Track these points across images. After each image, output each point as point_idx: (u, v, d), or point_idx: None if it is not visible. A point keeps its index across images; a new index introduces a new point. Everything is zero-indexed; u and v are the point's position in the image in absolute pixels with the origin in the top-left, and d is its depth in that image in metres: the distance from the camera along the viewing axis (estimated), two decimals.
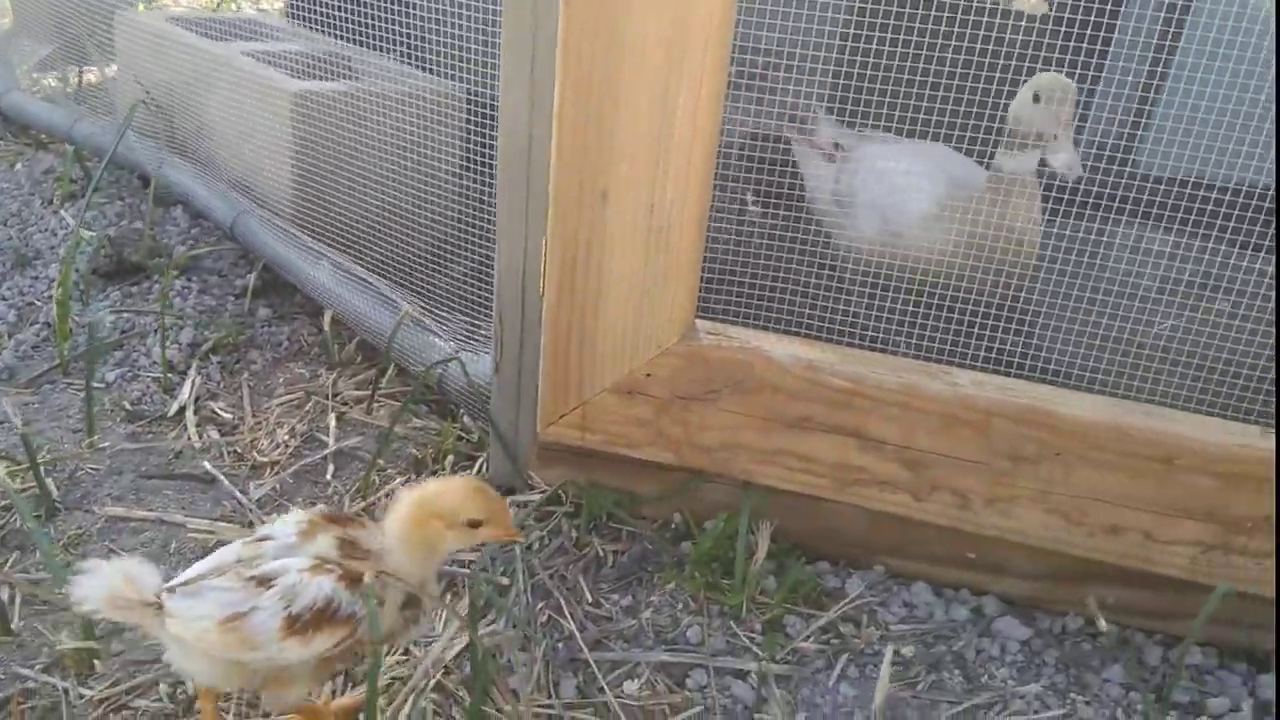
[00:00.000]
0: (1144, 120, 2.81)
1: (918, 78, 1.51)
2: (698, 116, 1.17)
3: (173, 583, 1.00)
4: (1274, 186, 1.46)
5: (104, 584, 0.98)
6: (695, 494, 1.46)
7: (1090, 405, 1.24)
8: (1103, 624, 1.31)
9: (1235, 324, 1.42)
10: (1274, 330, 1.42)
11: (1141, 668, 1.36)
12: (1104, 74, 2.76)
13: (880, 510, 1.35)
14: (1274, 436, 1.20)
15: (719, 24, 1.12)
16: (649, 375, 1.33)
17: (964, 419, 1.26)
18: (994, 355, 1.42)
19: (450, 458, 1.63)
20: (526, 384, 1.43)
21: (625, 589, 1.42)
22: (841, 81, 1.52)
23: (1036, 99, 1.75)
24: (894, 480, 1.32)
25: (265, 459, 1.64)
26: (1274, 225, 1.54)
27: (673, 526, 1.50)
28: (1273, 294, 1.94)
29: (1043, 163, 1.78)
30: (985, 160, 1.87)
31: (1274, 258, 1.64)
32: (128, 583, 0.98)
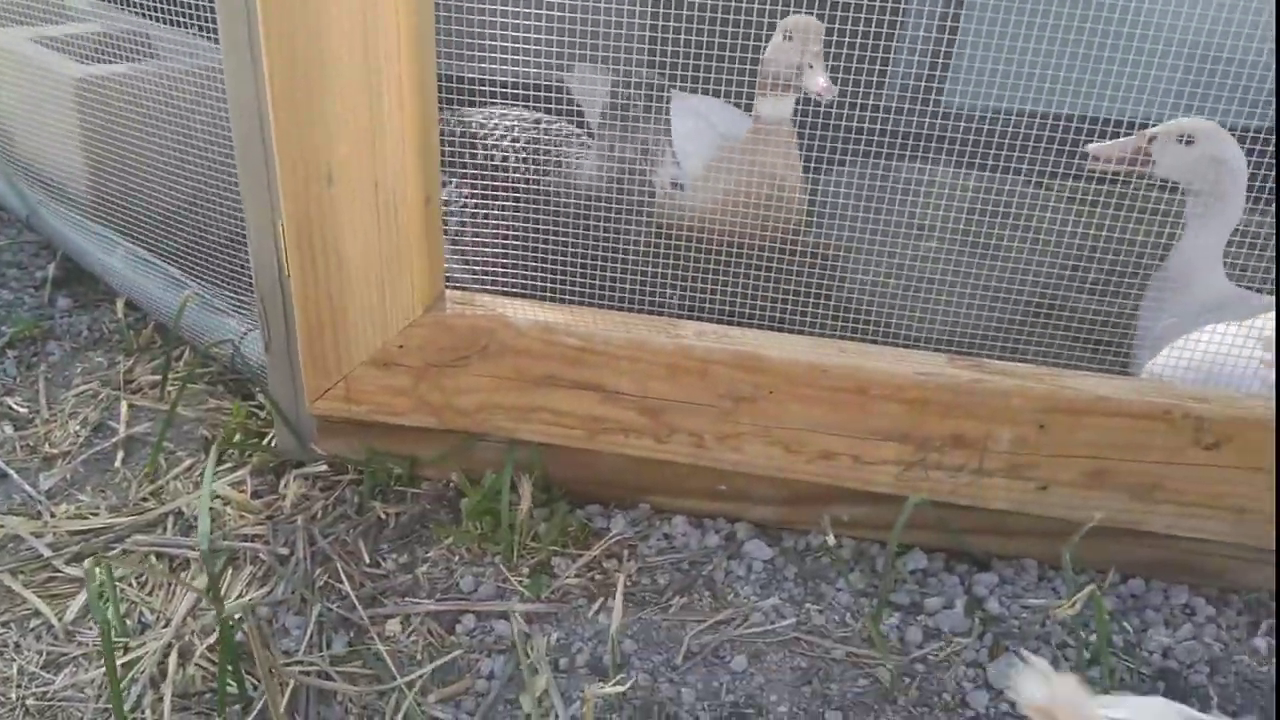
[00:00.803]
0: (947, 58, 2.97)
1: (718, 39, 1.59)
2: (404, 97, 1.24)
3: None
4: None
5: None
6: (470, 454, 1.56)
7: (793, 347, 1.37)
8: (830, 539, 1.46)
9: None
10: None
11: (874, 575, 1.52)
12: (905, 16, 2.89)
13: (631, 455, 1.47)
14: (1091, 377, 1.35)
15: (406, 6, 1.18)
16: (401, 347, 1.41)
17: (686, 367, 1.38)
18: (793, 314, 1.55)
19: (238, 436, 1.69)
20: (296, 361, 1.50)
21: (404, 548, 1.52)
22: (649, 45, 1.60)
23: (788, 38, 1.86)
24: (636, 427, 1.44)
25: (56, 450, 1.68)
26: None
27: (451, 486, 1.60)
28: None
29: (802, 102, 1.90)
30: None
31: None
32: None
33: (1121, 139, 1.78)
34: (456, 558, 1.50)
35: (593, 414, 1.43)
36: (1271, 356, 1.68)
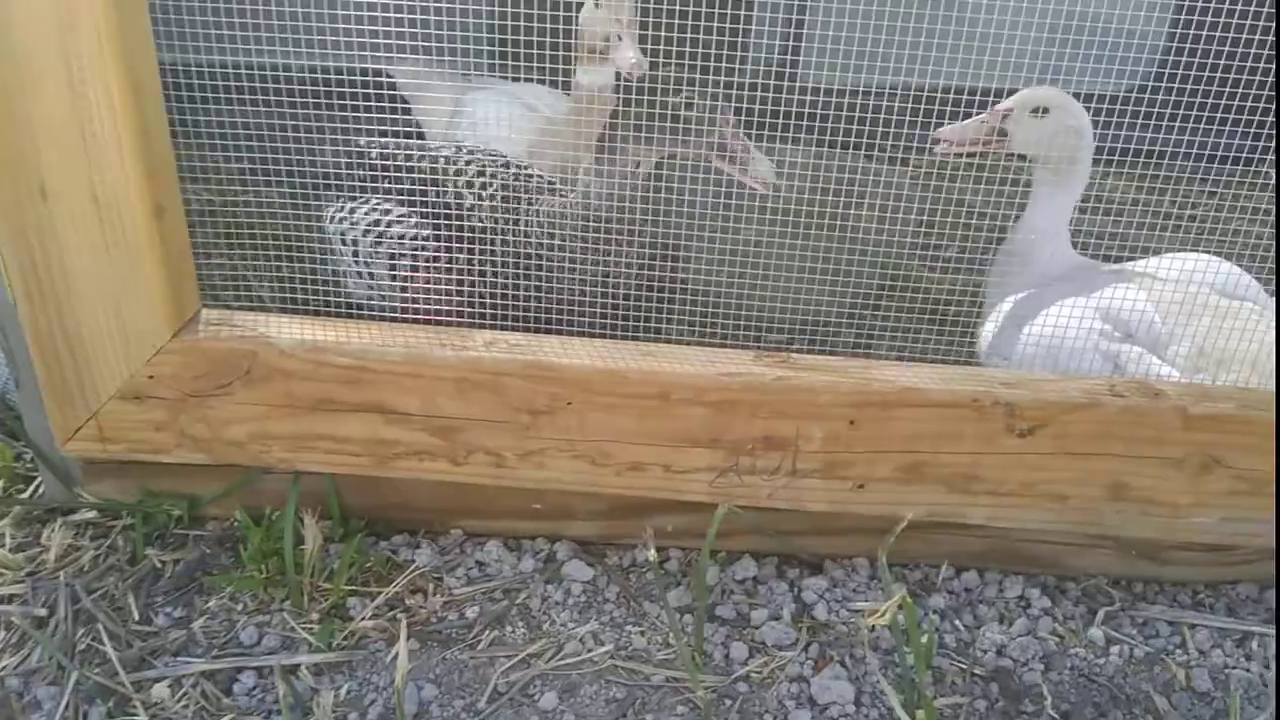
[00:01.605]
0: (799, 29, 2.91)
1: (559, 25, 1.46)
2: (114, 98, 1.09)
3: None
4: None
5: None
6: (255, 489, 1.41)
7: (588, 353, 1.27)
8: (652, 554, 1.36)
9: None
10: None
11: (697, 590, 1.43)
12: None
13: (428, 480, 1.35)
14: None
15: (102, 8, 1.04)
16: (152, 377, 1.26)
17: (476, 381, 1.26)
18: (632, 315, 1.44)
19: (2, 483, 1.50)
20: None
21: (180, 600, 1.36)
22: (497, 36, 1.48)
23: (597, 3, 1.76)
24: (429, 449, 1.31)
25: None
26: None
27: (238, 525, 1.45)
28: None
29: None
30: None
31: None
32: None
33: (972, 119, 1.72)
34: (239, 607, 1.36)
35: (379, 438, 1.31)
36: (1110, 328, 1.65)
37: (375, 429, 1.30)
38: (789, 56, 2.89)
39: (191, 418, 1.30)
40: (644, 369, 1.26)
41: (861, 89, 1.87)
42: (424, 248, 1.48)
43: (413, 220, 1.51)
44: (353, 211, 1.55)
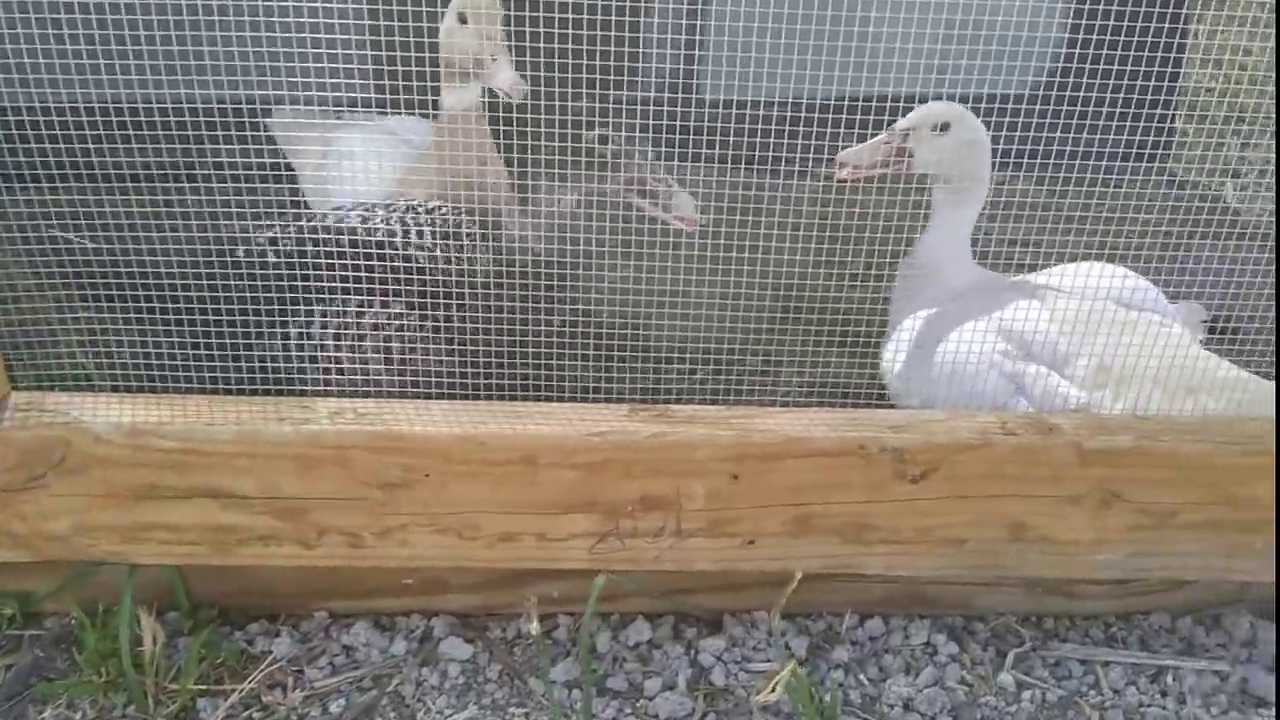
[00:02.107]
0: (697, 48, 2.83)
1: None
2: None
3: None
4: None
5: None
6: (91, 583, 1.28)
7: (445, 418, 1.16)
8: (534, 626, 1.25)
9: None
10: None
11: (593, 657, 1.33)
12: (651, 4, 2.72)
13: (279, 565, 1.23)
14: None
15: None
16: None
17: (319, 457, 1.15)
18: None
19: None
20: None
21: (10, 712, 1.22)
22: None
23: (463, 20, 1.65)
24: (274, 533, 1.19)
25: None
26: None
27: (75, 622, 1.31)
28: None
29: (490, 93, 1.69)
30: None
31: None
32: None
33: (871, 141, 1.65)
34: (78, 716, 1.22)
35: (217, 524, 1.18)
36: (1011, 347, 1.59)
37: (212, 515, 1.18)
38: (683, 67, 2.81)
39: (7, 514, 1.16)
40: (504, 433, 1.15)
41: (763, 100, 1.79)
42: (408, 326, 1.40)
43: (403, 303, 1.40)
44: (337, 315, 1.41)
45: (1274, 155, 1.39)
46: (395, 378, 1.39)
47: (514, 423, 1.17)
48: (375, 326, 1.38)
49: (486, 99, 1.71)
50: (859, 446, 1.18)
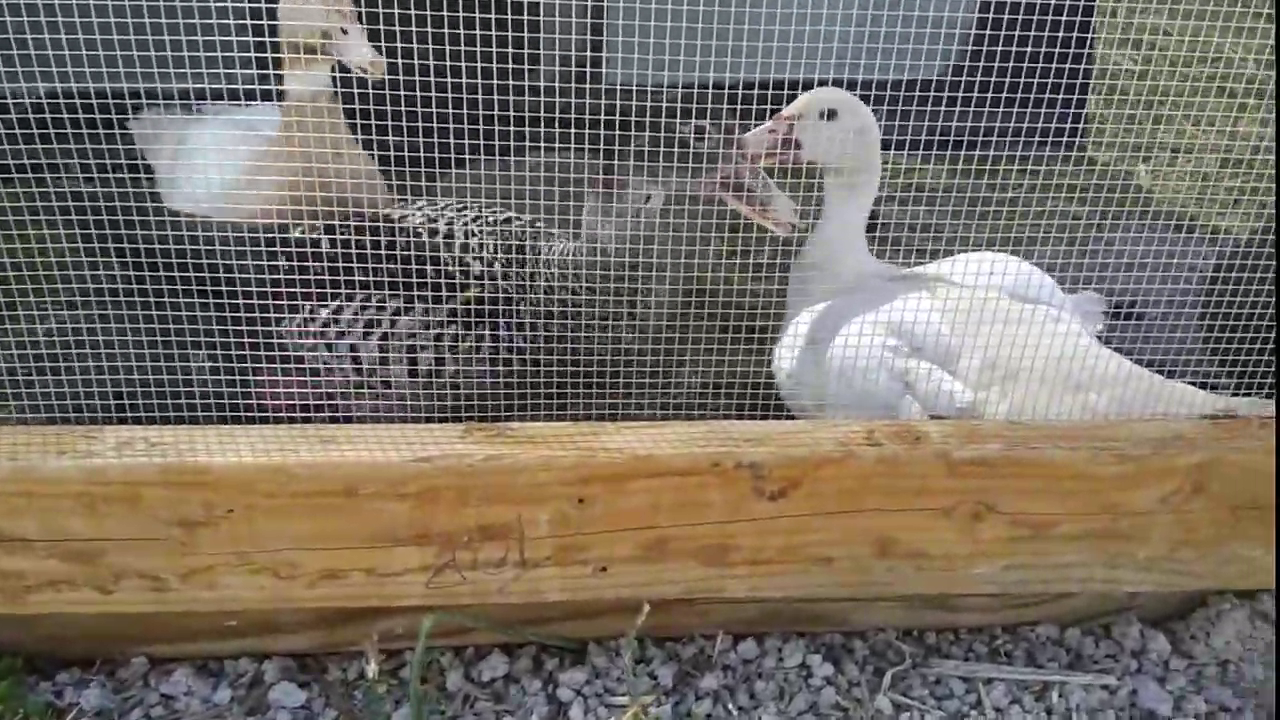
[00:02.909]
0: (601, 33, 2.71)
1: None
2: None
3: None
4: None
5: None
6: None
7: (249, 446, 1.04)
8: (372, 668, 1.14)
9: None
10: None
11: (443, 697, 1.23)
12: None
13: (76, 612, 1.10)
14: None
15: None
16: None
17: (106, 495, 1.02)
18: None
19: None
20: None
21: None
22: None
23: None
24: (66, 578, 1.06)
25: None
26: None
27: None
28: None
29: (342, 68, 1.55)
30: None
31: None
32: None
33: (756, 130, 1.55)
34: None
35: (1, 570, 1.05)
36: (900, 343, 1.51)
37: None
38: (589, 54, 2.70)
39: None
40: (318, 462, 1.04)
41: (666, 87, 1.69)
42: (441, 333, 1.30)
43: (419, 308, 1.30)
44: (336, 314, 1.32)
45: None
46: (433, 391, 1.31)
47: (329, 450, 1.05)
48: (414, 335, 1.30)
49: (338, 78, 1.57)
50: (712, 464, 1.08)
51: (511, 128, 1.55)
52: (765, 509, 1.11)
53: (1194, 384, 1.52)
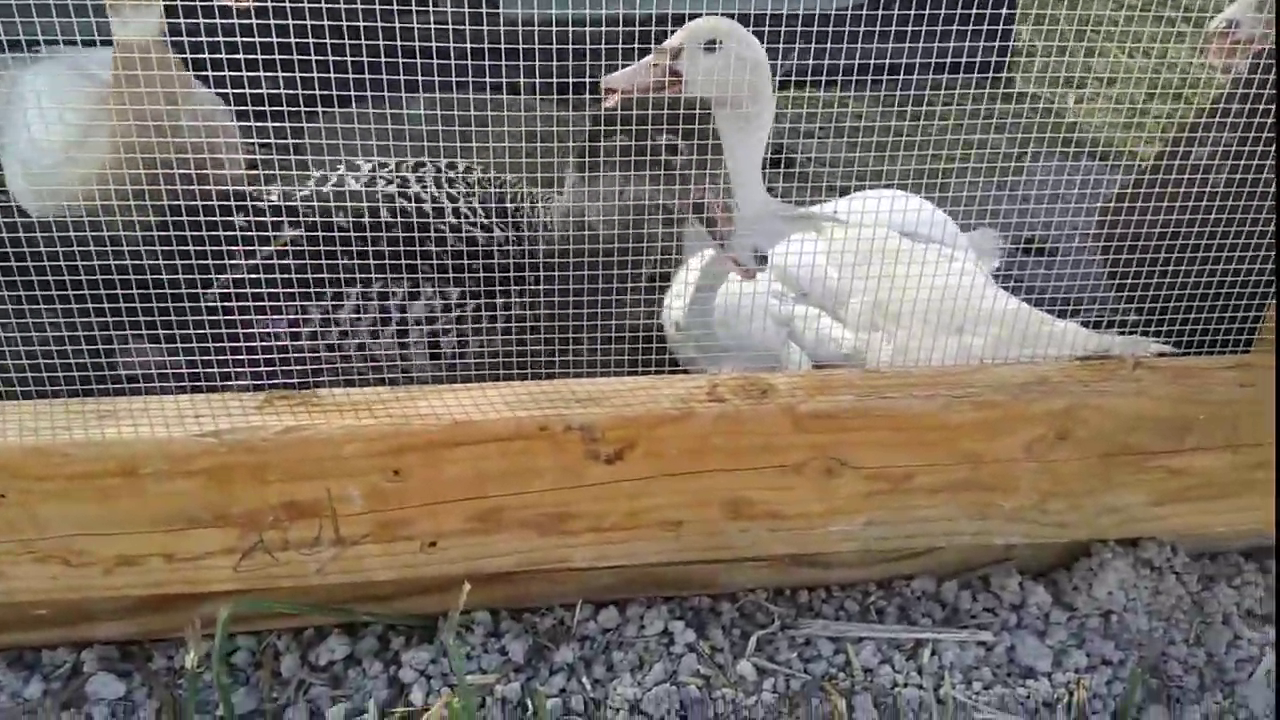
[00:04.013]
0: None
1: None
2: None
3: None
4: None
5: None
6: None
7: (16, 427, 0.94)
8: (190, 659, 1.06)
9: None
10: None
11: (277, 683, 1.15)
12: None
13: None
14: None
15: None
16: None
17: None
18: None
19: None
20: None
21: None
22: None
23: None
24: None
25: None
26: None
27: None
28: None
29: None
30: None
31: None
32: None
33: (639, 63, 1.43)
34: None
35: None
36: (784, 288, 1.42)
37: None
38: None
39: None
40: (89, 442, 0.94)
41: (573, 20, 1.57)
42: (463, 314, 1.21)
43: (431, 290, 1.20)
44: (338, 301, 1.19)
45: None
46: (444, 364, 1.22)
47: (105, 426, 0.95)
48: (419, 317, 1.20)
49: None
50: (539, 428, 1.00)
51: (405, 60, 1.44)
52: (602, 473, 1.03)
53: (1098, 322, 1.45)
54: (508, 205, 1.26)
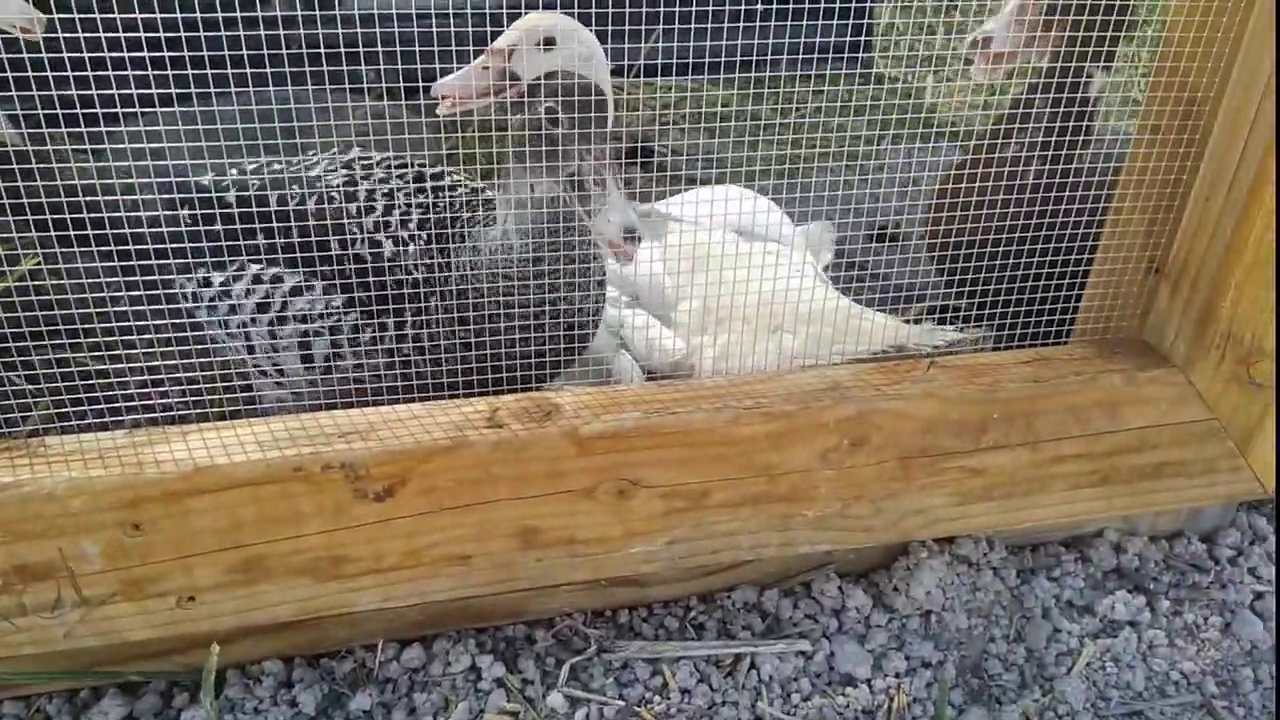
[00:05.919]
0: None
1: None
2: None
3: None
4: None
5: None
6: None
7: None
8: None
9: None
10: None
11: None
12: None
13: None
14: None
15: None
16: None
17: None
18: None
19: None
20: None
21: None
22: None
23: None
24: None
25: None
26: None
27: None
28: None
29: None
30: None
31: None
32: None
33: (470, 65, 1.33)
34: None
35: None
36: (616, 292, 1.37)
37: None
38: None
39: None
40: None
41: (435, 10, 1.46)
42: (342, 322, 1.09)
43: (318, 288, 1.09)
44: (225, 285, 1.10)
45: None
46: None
47: None
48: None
49: None
50: (294, 469, 0.92)
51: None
52: (372, 512, 0.96)
53: (934, 313, 1.43)
54: (447, 230, 1.15)
